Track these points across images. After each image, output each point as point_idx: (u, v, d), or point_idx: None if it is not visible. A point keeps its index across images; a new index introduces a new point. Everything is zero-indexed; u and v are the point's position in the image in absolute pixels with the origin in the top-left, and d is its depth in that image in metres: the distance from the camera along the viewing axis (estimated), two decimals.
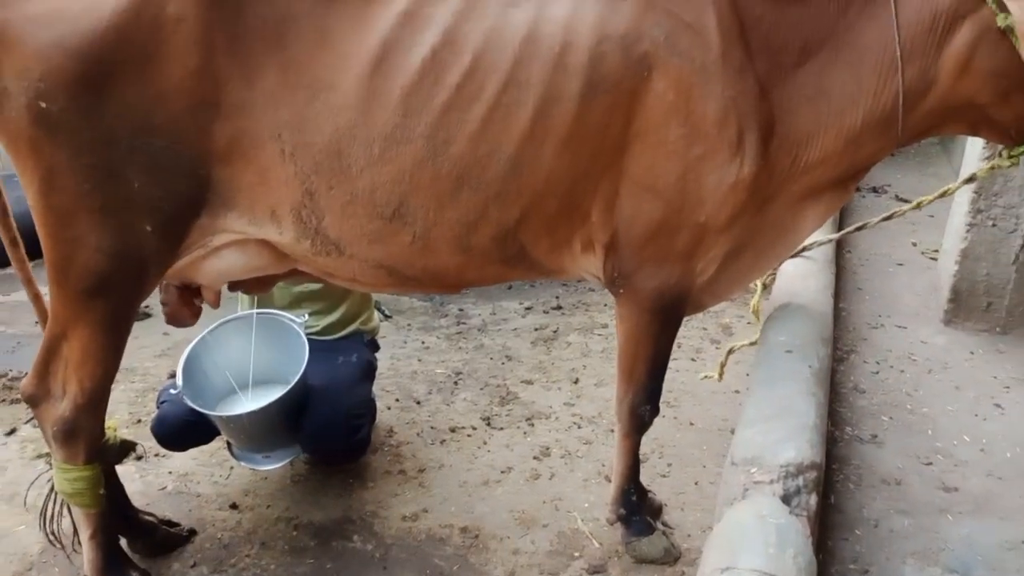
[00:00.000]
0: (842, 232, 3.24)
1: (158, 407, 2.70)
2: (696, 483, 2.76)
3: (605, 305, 4.24)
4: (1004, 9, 1.85)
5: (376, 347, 3.10)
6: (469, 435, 3.10)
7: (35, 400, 2.04)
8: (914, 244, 4.64)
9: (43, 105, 1.69)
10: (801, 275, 3.23)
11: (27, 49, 1.67)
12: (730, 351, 2.93)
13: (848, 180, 2.21)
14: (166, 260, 1.94)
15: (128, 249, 1.85)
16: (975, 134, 2.18)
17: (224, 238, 1.96)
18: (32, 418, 2.89)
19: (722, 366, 2.94)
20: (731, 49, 1.91)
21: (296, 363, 2.57)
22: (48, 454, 2.15)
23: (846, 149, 2.02)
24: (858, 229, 2.95)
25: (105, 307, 1.90)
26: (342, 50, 1.81)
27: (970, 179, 2.54)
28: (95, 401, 2.03)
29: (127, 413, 3.23)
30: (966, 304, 3.53)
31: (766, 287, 2.96)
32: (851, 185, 2.26)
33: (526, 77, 1.85)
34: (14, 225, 2.07)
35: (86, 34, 1.68)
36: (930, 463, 2.69)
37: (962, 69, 1.94)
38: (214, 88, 1.77)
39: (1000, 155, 2.18)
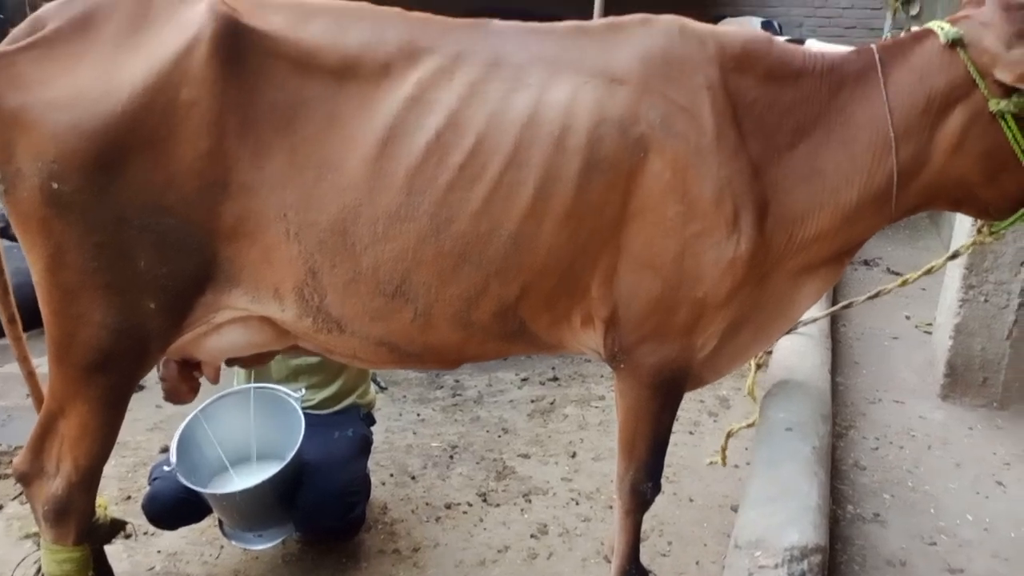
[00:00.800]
0: (829, 311, 3.26)
1: (150, 484, 2.65)
2: (697, 562, 2.70)
3: (602, 376, 4.22)
4: (996, 94, 1.93)
5: (372, 421, 3.07)
6: (465, 512, 3.04)
7: (27, 478, 2.01)
8: (907, 317, 4.68)
9: (56, 186, 1.72)
10: (798, 351, 3.24)
11: (44, 132, 1.71)
12: (729, 434, 2.92)
13: (843, 255, 2.25)
14: (168, 337, 1.95)
15: (131, 326, 1.86)
16: (957, 210, 2.24)
17: (227, 315, 1.97)
18: (20, 494, 2.83)
19: (723, 451, 2.93)
20: (725, 131, 1.97)
21: (292, 439, 2.54)
22: (36, 533, 2.10)
23: (842, 226, 2.07)
24: (845, 307, 3.00)
25: (105, 384, 1.90)
26: (349, 133, 1.86)
27: (954, 255, 2.60)
28: (88, 479, 2.00)
29: (117, 489, 3.16)
30: (962, 379, 3.54)
31: (760, 367, 2.97)
32: (845, 260, 2.30)
33: (527, 158, 1.90)
34: (13, 303, 2.07)
35: (102, 118, 1.72)
36: (934, 543, 2.65)
37: (954, 150, 2.00)
38: (224, 169, 1.81)
39: (981, 231, 2.24)
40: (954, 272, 3.53)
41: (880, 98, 2.00)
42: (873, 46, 2.11)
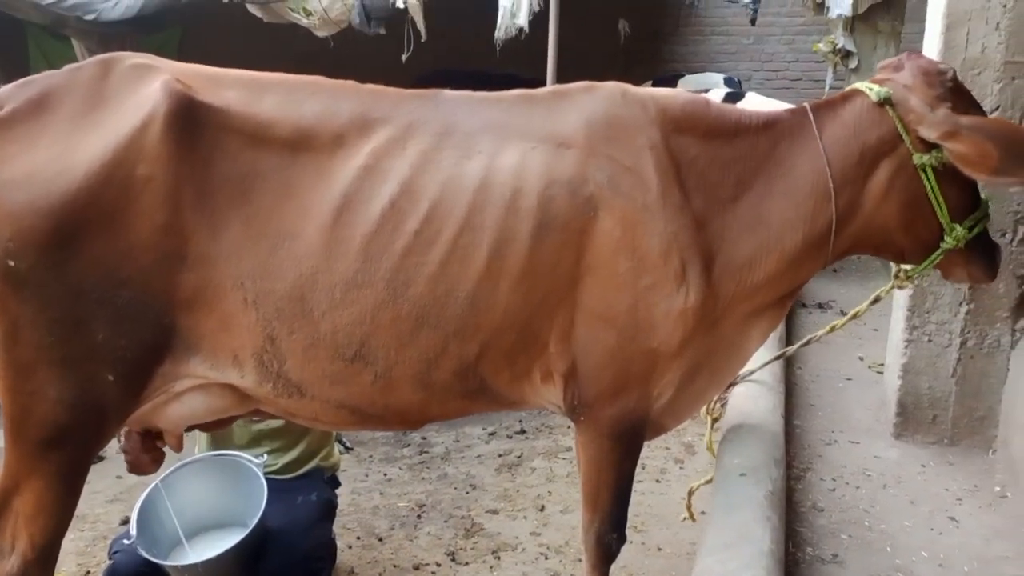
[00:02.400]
0: (761, 365, 3.32)
1: (110, 558, 2.60)
2: None
3: (569, 427, 4.24)
4: (919, 149, 2.10)
5: (337, 483, 3.06)
6: (433, 572, 3.02)
7: None
8: (860, 358, 4.79)
9: (11, 264, 1.74)
10: (752, 395, 3.31)
11: (0, 211, 1.73)
12: (690, 492, 2.98)
13: (785, 298, 2.37)
14: (127, 408, 1.94)
15: (89, 400, 1.86)
16: (877, 254, 2.42)
17: (186, 383, 1.98)
18: None
19: (689, 509, 2.98)
20: (669, 188, 2.07)
21: (254, 506, 2.53)
22: None
23: (787, 270, 2.19)
24: (778, 358, 3.14)
25: (62, 459, 1.89)
26: (305, 202, 1.91)
27: (875, 300, 2.76)
28: (45, 556, 1.96)
29: (75, 564, 3.08)
30: (913, 418, 3.62)
31: (716, 420, 3.05)
32: (787, 302, 2.43)
33: (480, 221, 1.97)
34: None
35: (59, 195, 1.75)
36: None
37: (882, 199, 2.17)
38: (181, 241, 1.85)
39: (898, 276, 2.42)
40: (898, 313, 3.65)
41: (818, 151, 2.15)
42: (806, 105, 2.26)
